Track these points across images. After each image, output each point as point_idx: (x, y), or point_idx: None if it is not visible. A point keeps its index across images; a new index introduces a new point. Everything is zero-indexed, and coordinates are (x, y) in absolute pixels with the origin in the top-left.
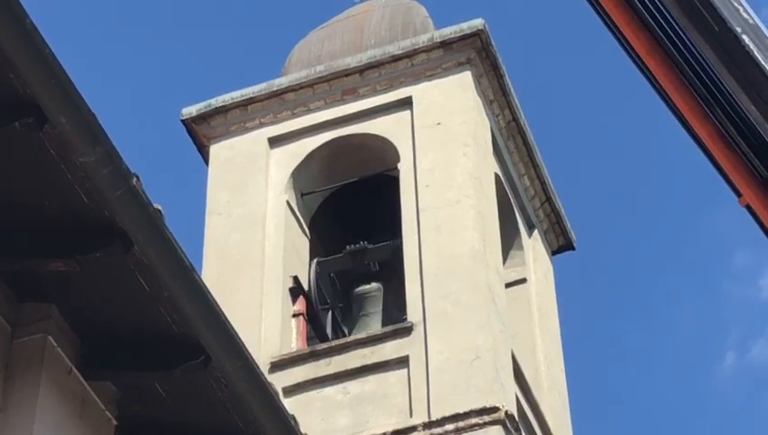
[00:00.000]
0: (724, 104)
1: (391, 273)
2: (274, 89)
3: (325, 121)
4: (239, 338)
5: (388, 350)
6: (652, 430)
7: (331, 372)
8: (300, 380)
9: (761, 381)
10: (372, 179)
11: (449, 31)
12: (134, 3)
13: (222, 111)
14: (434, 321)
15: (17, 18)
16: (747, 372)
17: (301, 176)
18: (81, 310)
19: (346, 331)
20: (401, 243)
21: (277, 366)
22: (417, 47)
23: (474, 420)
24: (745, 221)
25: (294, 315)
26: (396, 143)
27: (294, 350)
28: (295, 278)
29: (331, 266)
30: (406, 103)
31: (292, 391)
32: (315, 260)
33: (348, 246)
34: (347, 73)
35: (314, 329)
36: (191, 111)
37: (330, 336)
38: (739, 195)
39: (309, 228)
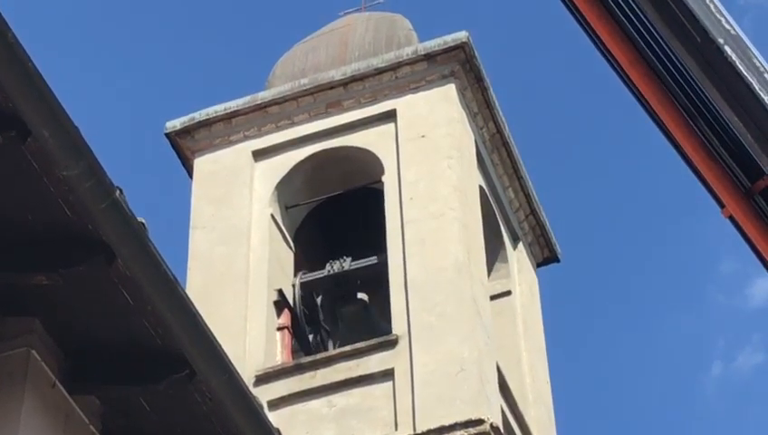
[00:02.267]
0: (706, 115)
1: (376, 285)
2: (258, 102)
3: (309, 134)
4: (224, 351)
5: (373, 363)
6: None
7: (316, 385)
8: (285, 393)
9: (747, 389)
10: (357, 192)
11: (433, 43)
12: (118, 16)
13: (206, 124)
14: (419, 333)
15: None
16: (734, 380)
17: (285, 189)
18: (65, 324)
19: (330, 344)
20: (384, 259)
21: (262, 379)
22: (401, 60)
23: (459, 433)
24: (731, 230)
25: (279, 329)
26: (380, 156)
27: (279, 363)
28: (280, 292)
29: (314, 286)
30: (390, 116)
31: (276, 404)
32: (299, 275)
33: (328, 266)
34: (331, 86)
35: (299, 342)
36: (175, 124)
37: (314, 349)
38: (722, 206)
39: (293, 241)
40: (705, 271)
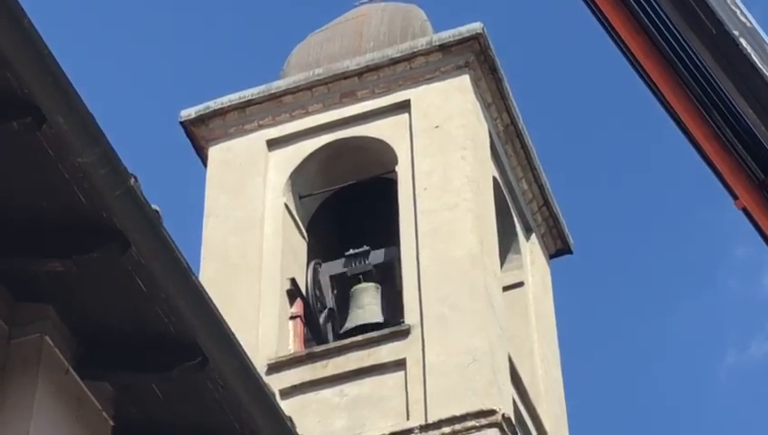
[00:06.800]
0: (720, 107)
1: (388, 276)
2: (273, 91)
3: (323, 124)
4: (236, 339)
5: (386, 352)
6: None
7: (328, 374)
8: (297, 382)
9: (761, 377)
10: (370, 182)
11: (448, 34)
12: (133, 4)
13: (220, 113)
14: (431, 324)
15: (15, 18)
16: (747, 368)
17: (299, 178)
18: (79, 310)
19: (345, 324)
20: (398, 248)
21: (274, 368)
22: (415, 50)
23: (470, 423)
24: (744, 219)
25: (292, 317)
26: (394, 146)
27: (291, 352)
28: (293, 281)
29: (328, 269)
30: (404, 106)
31: (288, 393)
32: (313, 263)
33: (348, 251)
34: (345, 76)
35: (311, 331)
36: (189, 112)
37: (327, 339)
38: (735, 198)
39: (307, 231)
40: (720, 261)
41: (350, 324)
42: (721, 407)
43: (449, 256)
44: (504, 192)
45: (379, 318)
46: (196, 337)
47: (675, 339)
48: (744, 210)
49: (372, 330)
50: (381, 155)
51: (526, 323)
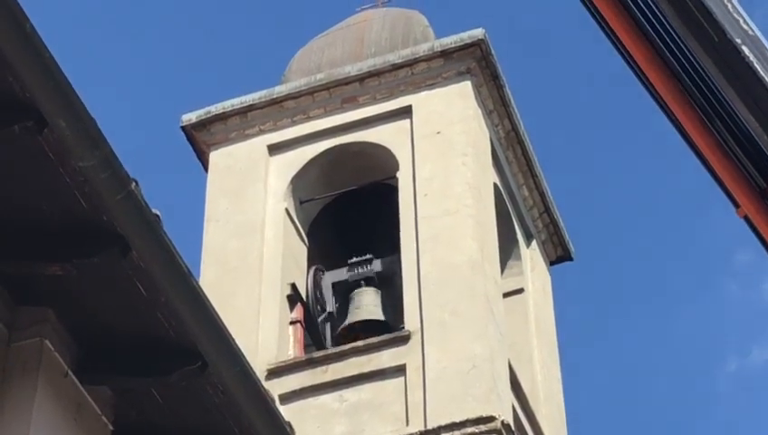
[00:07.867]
0: (722, 115)
1: (389, 282)
2: (274, 96)
3: (325, 129)
4: (236, 344)
5: (386, 358)
6: None
7: (328, 379)
8: (296, 387)
9: (762, 383)
10: (371, 188)
11: (449, 40)
12: (135, 8)
13: (221, 117)
14: (431, 330)
15: (17, 22)
16: (749, 375)
17: (300, 183)
18: (79, 314)
19: (345, 321)
20: (399, 253)
21: (274, 373)
22: (417, 56)
23: (470, 430)
24: (745, 225)
25: (292, 323)
26: (395, 152)
27: (291, 357)
28: (293, 286)
29: (330, 277)
30: (405, 112)
31: (288, 398)
32: (313, 268)
33: (351, 259)
34: (347, 82)
35: (311, 337)
36: (191, 117)
37: (327, 344)
38: (737, 206)
39: (307, 236)
40: (720, 265)
41: (349, 321)
42: (722, 413)
43: (450, 262)
44: (505, 199)
45: (380, 316)
46: (196, 342)
47: (675, 345)
48: (746, 218)
49: (373, 328)
50: (382, 161)
51: (526, 329)
